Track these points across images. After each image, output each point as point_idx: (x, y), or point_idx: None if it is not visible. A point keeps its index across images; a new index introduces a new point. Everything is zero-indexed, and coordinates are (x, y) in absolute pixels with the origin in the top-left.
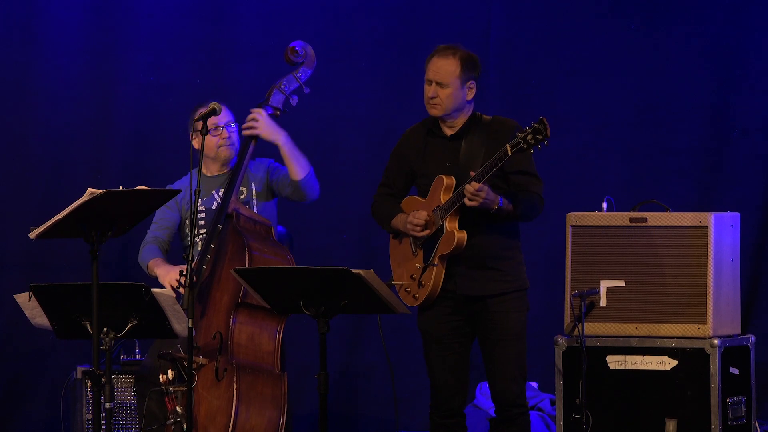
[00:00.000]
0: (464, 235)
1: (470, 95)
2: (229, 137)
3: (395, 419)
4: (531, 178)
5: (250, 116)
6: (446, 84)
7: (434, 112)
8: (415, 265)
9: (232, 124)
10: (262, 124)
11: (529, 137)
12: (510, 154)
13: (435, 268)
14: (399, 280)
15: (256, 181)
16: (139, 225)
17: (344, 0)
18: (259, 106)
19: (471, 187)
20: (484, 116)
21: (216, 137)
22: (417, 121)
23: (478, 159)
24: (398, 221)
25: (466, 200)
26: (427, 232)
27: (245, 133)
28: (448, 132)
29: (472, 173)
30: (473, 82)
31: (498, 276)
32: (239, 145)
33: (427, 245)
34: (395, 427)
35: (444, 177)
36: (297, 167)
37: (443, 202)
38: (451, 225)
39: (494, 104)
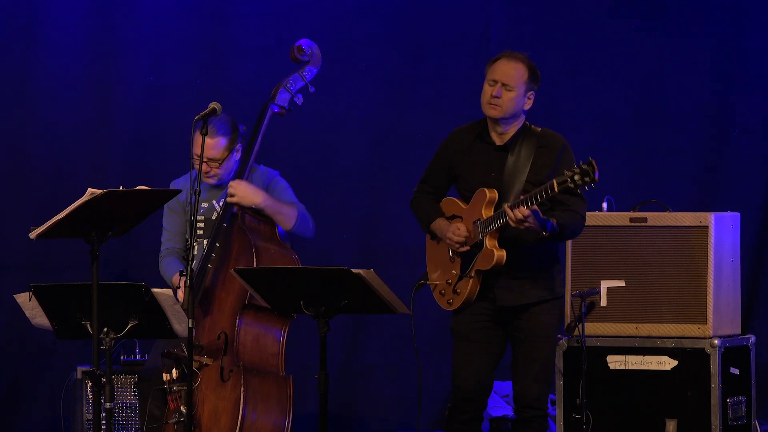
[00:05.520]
0: (503, 253)
1: (528, 105)
2: (215, 174)
3: (416, 420)
4: (576, 198)
5: (229, 189)
6: (512, 87)
7: (493, 113)
8: (452, 272)
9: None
10: (241, 195)
11: (576, 177)
12: (557, 191)
13: (471, 279)
14: (434, 281)
15: None
16: (141, 225)
17: (344, 0)
18: (266, 104)
19: (519, 213)
20: (533, 127)
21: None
22: (417, 122)
23: (522, 174)
24: (437, 227)
25: (511, 223)
26: (466, 247)
27: (228, 200)
28: (497, 140)
29: (506, 206)
30: (533, 93)
31: (534, 284)
32: (235, 168)
33: (466, 254)
34: (396, 427)
35: (486, 190)
36: (283, 220)
37: (484, 218)
38: (491, 243)
39: None
